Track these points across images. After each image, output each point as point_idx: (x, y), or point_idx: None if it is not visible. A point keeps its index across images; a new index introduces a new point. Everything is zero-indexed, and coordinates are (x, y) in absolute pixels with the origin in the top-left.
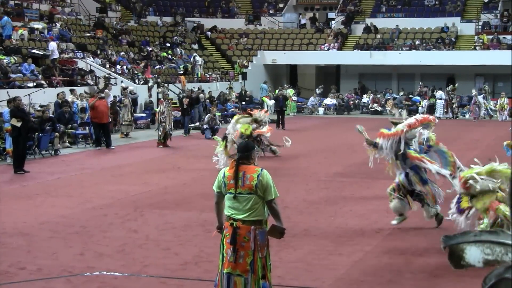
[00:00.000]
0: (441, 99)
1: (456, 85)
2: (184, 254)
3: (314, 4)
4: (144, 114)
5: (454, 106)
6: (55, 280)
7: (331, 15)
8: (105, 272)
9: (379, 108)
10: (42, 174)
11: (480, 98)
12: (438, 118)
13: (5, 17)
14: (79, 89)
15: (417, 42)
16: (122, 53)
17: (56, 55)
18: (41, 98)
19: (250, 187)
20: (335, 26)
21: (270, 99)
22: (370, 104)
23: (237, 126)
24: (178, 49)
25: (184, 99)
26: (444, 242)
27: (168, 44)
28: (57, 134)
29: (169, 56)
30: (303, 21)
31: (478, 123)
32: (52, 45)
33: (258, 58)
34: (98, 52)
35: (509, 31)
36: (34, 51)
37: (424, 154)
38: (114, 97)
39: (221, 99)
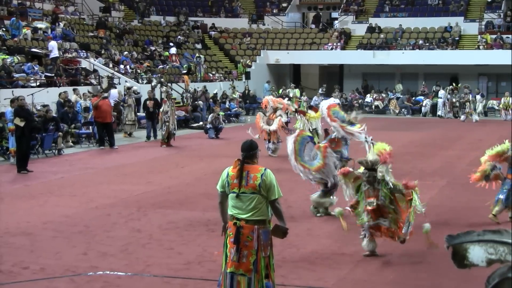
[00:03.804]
0: (440, 98)
1: (459, 84)
2: (188, 254)
3: (318, 3)
4: None
5: (455, 105)
6: (58, 280)
7: (334, 14)
8: (108, 272)
9: (381, 106)
10: (45, 174)
11: (478, 96)
12: (440, 117)
13: (19, 21)
14: (83, 89)
15: (420, 42)
16: (126, 52)
17: (56, 54)
18: (45, 97)
19: (254, 186)
20: (338, 26)
21: None
22: (373, 103)
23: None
24: (172, 49)
25: (148, 102)
26: (448, 242)
27: (171, 44)
28: (60, 133)
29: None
30: (314, 27)
31: (480, 122)
32: (52, 45)
33: (261, 58)
34: (102, 51)
35: None
36: (35, 49)
37: None
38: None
39: (220, 98)
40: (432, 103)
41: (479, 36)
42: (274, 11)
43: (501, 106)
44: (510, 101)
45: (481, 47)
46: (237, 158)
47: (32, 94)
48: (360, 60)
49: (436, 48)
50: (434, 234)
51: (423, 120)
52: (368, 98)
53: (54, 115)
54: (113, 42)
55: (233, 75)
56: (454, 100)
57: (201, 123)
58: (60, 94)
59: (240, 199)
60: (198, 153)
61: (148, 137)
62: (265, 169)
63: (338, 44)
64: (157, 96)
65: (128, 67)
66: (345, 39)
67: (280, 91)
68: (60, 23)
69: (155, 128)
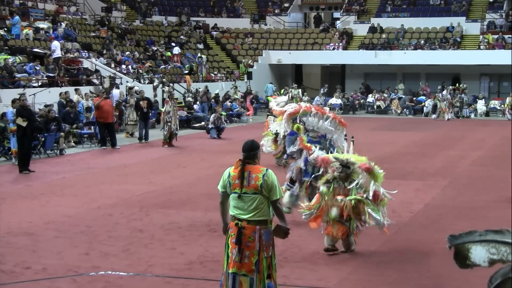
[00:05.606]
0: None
1: (461, 84)
2: (190, 254)
3: (319, 3)
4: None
5: (455, 105)
6: (60, 280)
7: (336, 14)
8: (110, 272)
9: (382, 106)
10: (47, 174)
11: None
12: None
13: (16, 17)
14: (84, 89)
15: (422, 42)
16: (127, 52)
17: (58, 54)
18: (47, 97)
19: (255, 187)
20: (340, 26)
21: None
22: (375, 103)
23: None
24: (175, 49)
25: (141, 102)
26: (450, 242)
27: (173, 44)
28: (62, 133)
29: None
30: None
31: (483, 122)
32: (55, 45)
33: (263, 58)
34: (104, 51)
35: None
36: (36, 50)
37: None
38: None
39: (223, 98)
40: (434, 103)
41: (481, 36)
42: (276, 11)
43: (505, 105)
44: None
45: (483, 47)
46: (238, 159)
47: (34, 94)
48: (362, 60)
49: (438, 48)
50: (437, 234)
51: (425, 120)
52: (370, 98)
53: (56, 115)
54: (115, 42)
55: (235, 75)
56: (454, 100)
57: (203, 123)
58: (60, 94)
59: (242, 199)
60: (200, 153)
61: (140, 138)
62: (266, 170)
63: (340, 44)
64: (159, 96)
65: (130, 67)
66: (347, 39)
67: (282, 91)
68: (62, 23)
69: (147, 129)
